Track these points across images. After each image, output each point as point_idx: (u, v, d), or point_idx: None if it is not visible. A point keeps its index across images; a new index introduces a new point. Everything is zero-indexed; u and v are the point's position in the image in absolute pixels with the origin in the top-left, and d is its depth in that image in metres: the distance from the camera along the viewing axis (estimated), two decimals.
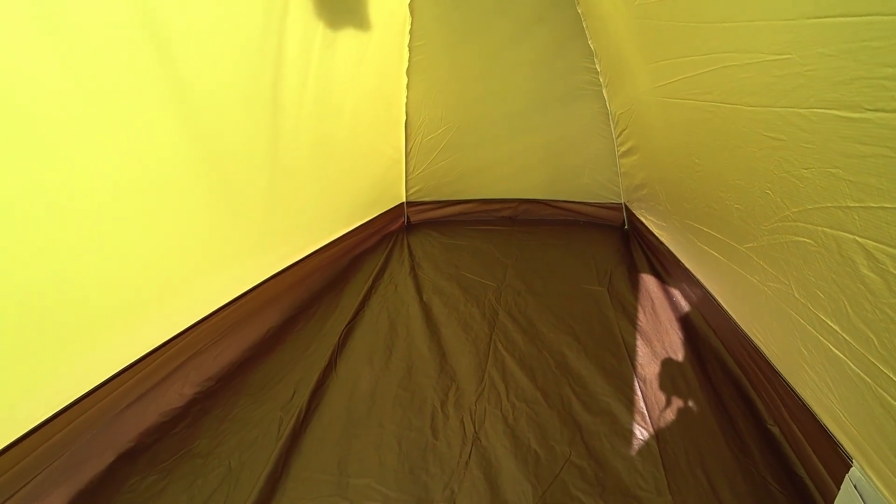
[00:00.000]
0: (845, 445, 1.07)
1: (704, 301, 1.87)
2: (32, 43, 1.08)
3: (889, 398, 0.86)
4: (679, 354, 1.80)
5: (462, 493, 1.29)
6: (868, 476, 0.99)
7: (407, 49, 2.84)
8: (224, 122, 1.68)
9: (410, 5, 2.69)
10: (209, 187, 1.69)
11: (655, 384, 1.66)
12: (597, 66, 2.68)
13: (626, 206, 3.02)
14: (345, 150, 2.51)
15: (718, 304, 1.74)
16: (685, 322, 1.98)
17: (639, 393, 1.62)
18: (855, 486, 1.04)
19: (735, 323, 1.62)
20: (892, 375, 0.84)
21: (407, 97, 3.01)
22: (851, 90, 0.76)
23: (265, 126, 1.88)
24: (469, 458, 1.40)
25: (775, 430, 1.42)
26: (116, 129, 1.32)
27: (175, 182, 1.54)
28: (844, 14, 0.72)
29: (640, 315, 2.08)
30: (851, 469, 1.05)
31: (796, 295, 1.12)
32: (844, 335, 0.96)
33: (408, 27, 2.76)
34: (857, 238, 0.85)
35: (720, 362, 1.73)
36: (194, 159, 1.60)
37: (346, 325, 2.11)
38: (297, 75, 1.95)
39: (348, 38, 2.21)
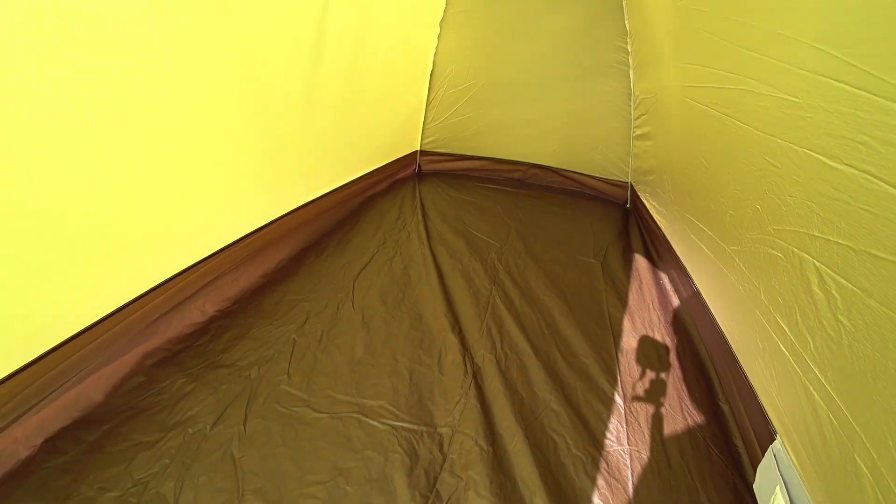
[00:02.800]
0: (773, 422, 1.31)
1: (688, 288, 2.08)
2: None
3: (811, 388, 1.08)
4: (656, 333, 2.03)
5: (461, 420, 1.53)
6: (785, 447, 1.23)
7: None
8: (270, 58, 1.75)
9: None
10: (249, 119, 1.77)
11: (630, 355, 1.89)
12: (628, 47, 2.73)
13: (631, 185, 3.14)
14: (373, 95, 2.58)
15: (699, 293, 1.95)
16: (667, 305, 2.20)
17: (615, 360, 1.85)
18: (774, 455, 1.29)
19: (710, 312, 1.83)
20: (817, 372, 1.06)
21: (437, 48, 3.04)
22: (836, 144, 0.91)
23: (305, 65, 1.96)
24: (468, 392, 1.63)
25: (725, 407, 1.67)
26: (169, 54, 1.37)
27: (217, 113, 1.62)
28: (845, 82, 0.86)
29: (628, 292, 2.29)
30: (774, 441, 1.30)
31: (762, 298, 1.32)
32: (791, 336, 1.16)
33: None
34: (815, 262, 1.03)
35: (691, 345, 1.95)
36: (239, 91, 1.68)
37: (362, 266, 2.29)
38: (340, 19, 2.01)
39: None
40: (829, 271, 0.99)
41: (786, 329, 1.19)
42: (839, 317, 0.98)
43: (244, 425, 1.47)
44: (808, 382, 1.11)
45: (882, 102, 0.78)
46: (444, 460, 1.41)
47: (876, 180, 0.82)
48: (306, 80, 2.00)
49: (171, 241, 1.69)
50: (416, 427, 1.51)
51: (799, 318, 1.13)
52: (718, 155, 1.57)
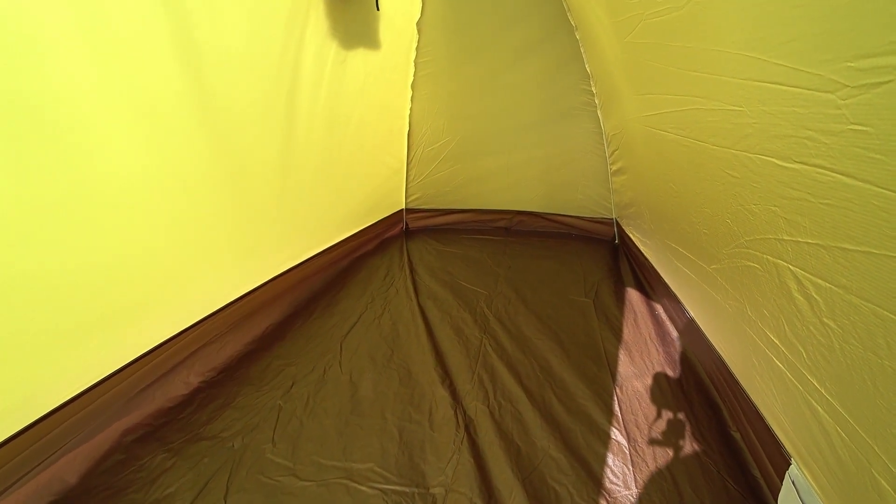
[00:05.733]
0: (786, 445, 1.21)
1: (681, 316, 2.02)
2: (70, 47, 1.19)
3: (814, 402, 1.01)
4: (656, 365, 1.94)
5: (455, 478, 1.43)
6: (802, 471, 1.14)
7: (413, 64, 3.00)
8: (243, 130, 1.81)
9: (418, 24, 2.85)
10: (223, 189, 1.81)
11: (631, 391, 1.80)
12: (593, 88, 2.84)
13: (616, 221, 3.16)
14: (351, 159, 2.65)
15: (692, 319, 1.89)
16: (664, 336, 2.13)
17: (615, 398, 1.76)
18: (793, 482, 1.19)
19: (705, 336, 1.77)
20: (815, 383, 0.99)
21: (411, 109, 3.16)
22: (784, 144, 0.91)
23: (279, 134, 2.02)
24: (461, 447, 1.54)
25: (737, 434, 1.57)
26: (140, 130, 1.42)
27: (190, 183, 1.65)
28: (778, 82, 0.88)
29: (623, 327, 2.22)
30: (791, 466, 1.20)
31: (749, 313, 1.27)
32: (783, 348, 1.11)
33: (415, 44, 2.92)
34: (790, 266, 1.00)
35: (693, 373, 1.87)
36: (212, 163, 1.72)
37: (350, 326, 2.25)
38: (311, 88, 2.11)
39: (358, 54, 2.37)
40: (805, 274, 0.96)
41: (776, 342, 1.13)
42: (825, 320, 0.93)
43: (225, 501, 1.38)
44: (808, 396, 1.04)
45: (816, 95, 0.78)
46: None
47: (829, 172, 0.81)
48: (280, 148, 2.05)
49: (151, 312, 1.67)
50: (406, 489, 1.41)
51: (787, 328, 1.07)
52: (685, 176, 1.58)
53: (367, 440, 1.59)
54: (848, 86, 0.71)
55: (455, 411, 1.68)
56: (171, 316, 1.78)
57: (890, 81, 0.63)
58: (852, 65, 0.69)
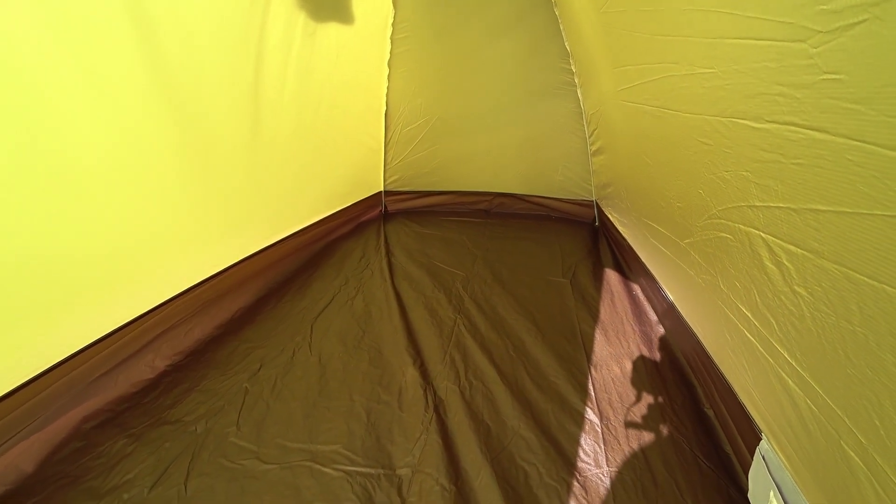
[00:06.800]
0: (756, 420, 1.19)
1: (658, 295, 2.00)
2: (28, 24, 1.14)
3: (784, 375, 0.98)
4: (632, 344, 1.92)
5: (422, 459, 1.40)
6: (772, 446, 1.11)
7: (389, 41, 2.90)
8: (206, 107, 1.73)
9: None
10: (189, 168, 1.74)
11: (605, 370, 1.77)
12: (572, 67, 2.78)
13: (597, 203, 3.13)
14: (324, 138, 2.56)
15: (668, 298, 1.87)
16: (641, 315, 2.10)
17: (589, 377, 1.73)
18: (763, 457, 1.17)
19: (680, 314, 1.74)
20: (786, 355, 0.96)
21: (388, 87, 3.07)
22: (756, 103, 0.87)
23: (246, 111, 1.93)
24: (429, 427, 1.50)
25: (710, 412, 1.55)
26: (100, 109, 1.36)
27: (155, 162, 1.59)
28: (750, 37, 0.83)
29: (599, 307, 2.20)
30: (761, 441, 1.18)
31: (721, 286, 1.23)
32: (754, 321, 1.08)
33: (390, 19, 2.83)
34: (762, 234, 0.96)
35: (668, 351, 1.85)
36: (175, 141, 1.64)
37: (322, 308, 2.19)
38: (278, 63, 2.01)
39: (330, 28, 2.27)
40: (777, 240, 0.92)
41: (748, 314, 1.10)
42: (796, 288, 0.90)
43: (185, 485, 1.34)
44: (779, 369, 1.01)
45: (787, 46, 0.74)
46: None
47: (800, 129, 0.77)
48: (248, 125, 1.96)
49: (112, 293, 1.60)
50: (372, 471, 1.37)
51: (758, 299, 1.04)
52: (658, 150, 1.54)
53: (334, 422, 1.54)
54: (820, 31, 0.66)
55: (425, 391, 1.64)
56: (134, 297, 1.71)
57: (865, 21, 0.58)
58: (825, 7, 0.64)
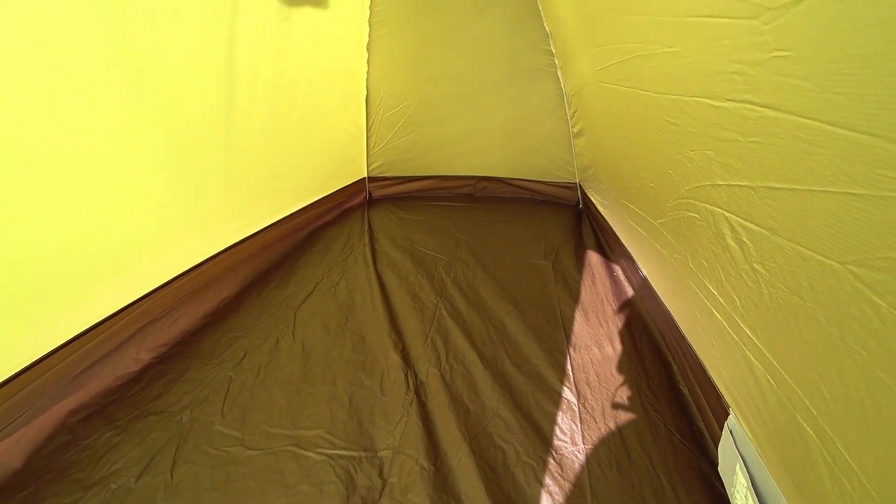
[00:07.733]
0: (725, 395, 1.22)
1: (636, 275, 2.02)
2: None
3: (747, 351, 1.01)
4: (611, 324, 1.95)
5: (403, 441, 1.42)
6: (738, 420, 1.14)
7: (367, 24, 2.86)
8: (178, 94, 1.70)
9: None
10: (163, 157, 1.71)
11: (584, 351, 1.80)
12: (552, 48, 2.76)
13: (580, 185, 3.13)
14: (303, 124, 2.53)
15: (645, 277, 1.89)
16: (620, 295, 2.13)
17: (568, 358, 1.76)
18: (731, 431, 1.20)
19: (656, 293, 1.77)
20: (748, 332, 0.98)
21: (368, 72, 3.03)
22: (716, 82, 0.87)
23: (220, 98, 1.90)
24: (409, 410, 1.52)
25: (685, 389, 1.59)
26: (67, 99, 1.33)
27: (130, 153, 1.57)
28: (710, 15, 0.83)
29: (581, 288, 2.22)
30: (729, 416, 1.21)
31: (690, 265, 1.25)
32: (720, 298, 1.10)
33: (368, 2, 2.78)
34: (724, 212, 0.98)
35: (646, 331, 1.88)
36: (147, 129, 1.61)
37: (305, 296, 2.19)
38: (252, 48, 1.98)
39: (305, 12, 2.23)
40: (738, 219, 0.93)
41: (714, 292, 1.12)
42: (755, 265, 0.92)
43: (171, 474, 1.35)
44: (742, 345, 1.03)
45: (741, 23, 0.74)
46: (383, 486, 1.29)
47: (756, 107, 0.78)
48: (223, 116, 1.93)
49: (92, 287, 1.59)
50: (354, 453, 1.39)
51: (723, 277, 1.06)
52: (631, 130, 1.54)
53: (317, 407, 1.56)
54: (770, 8, 0.66)
55: (406, 375, 1.66)
56: (116, 289, 1.70)
57: None
58: None
